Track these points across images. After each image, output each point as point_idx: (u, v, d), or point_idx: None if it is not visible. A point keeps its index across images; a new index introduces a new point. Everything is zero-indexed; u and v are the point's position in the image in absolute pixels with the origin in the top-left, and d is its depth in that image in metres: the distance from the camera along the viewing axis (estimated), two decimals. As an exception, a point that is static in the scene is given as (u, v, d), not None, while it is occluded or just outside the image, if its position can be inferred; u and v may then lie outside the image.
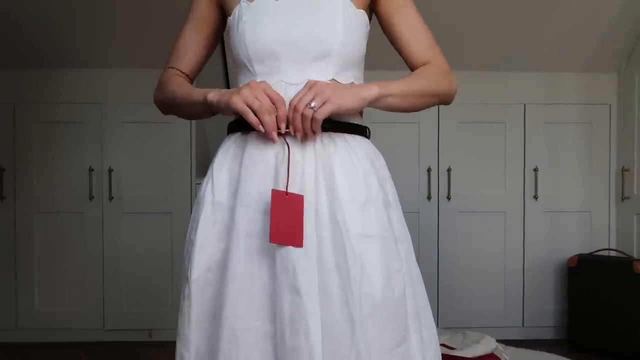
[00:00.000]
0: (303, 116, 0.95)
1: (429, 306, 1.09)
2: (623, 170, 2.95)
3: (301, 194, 0.97)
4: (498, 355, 2.35)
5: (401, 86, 1.05)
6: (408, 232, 1.09)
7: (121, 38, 2.88)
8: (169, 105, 1.15)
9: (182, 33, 1.17)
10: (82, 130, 3.01)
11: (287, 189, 0.97)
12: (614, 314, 2.68)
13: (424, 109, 1.12)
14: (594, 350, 2.76)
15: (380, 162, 1.10)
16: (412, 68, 1.14)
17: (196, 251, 1.02)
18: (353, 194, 0.99)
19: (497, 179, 3.03)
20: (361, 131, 1.08)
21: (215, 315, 1.00)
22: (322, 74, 1.02)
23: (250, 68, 1.04)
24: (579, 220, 3.04)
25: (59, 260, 3.01)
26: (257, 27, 1.03)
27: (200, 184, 1.20)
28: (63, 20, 2.79)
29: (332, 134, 1.02)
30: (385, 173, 1.09)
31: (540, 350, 2.71)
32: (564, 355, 2.63)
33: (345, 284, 0.95)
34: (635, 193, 2.89)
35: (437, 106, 3.00)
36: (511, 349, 2.59)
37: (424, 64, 1.12)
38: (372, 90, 1.00)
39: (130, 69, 3.00)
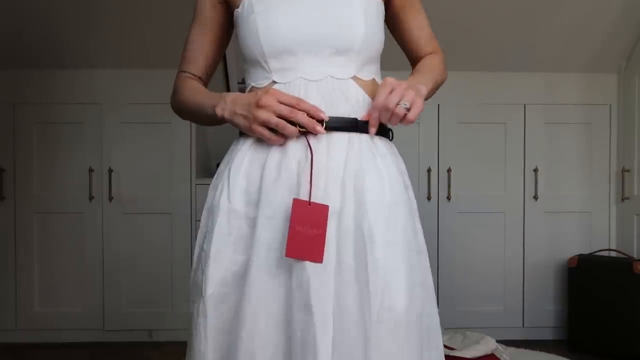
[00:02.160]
0: (394, 115, 0.92)
1: (439, 327, 1.02)
2: (623, 170, 2.94)
3: (325, 203, 0.91)
4: (498, 356, 2.35)
5: (429, 83, 1.04)
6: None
7: (121, 38, 2.88)
8: (184, 113, 1.11)
9: (190, 35, 1.13)
10: (82, 130, 3.01)
11: (309, 197, 0.90)
12: (614, 315, 2.68)
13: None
14: (594, 351, 2.76)
15: (403, 167, 1.05)
16: (416, 59, 1.14)
17: (211, 265, 0.94)
18: (380, 200, 0.94)
19: (497, 180, 3.03)
20: (386, 133, 1.04)
21: (232, 330, 0.94)
22: (343, 70, 0.97)
23: (265, 65, 0.98)
24: (579, 221, 3.04)
25: (59, 261, 3.01)
26: (271, 20, 0.96)
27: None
28: (63, 20, 2.80)
29: (360, 135, 0.97)
30: (407, 179, 1.04)
31: (540, 350, 2.71)
32: (564, 355, 2.63)
33: (364, 297, 0.89)
34: (635, 193, 2.89)
35: (437, 106, 3.03)
36: (511, 349, 2.59)
37: (427, 54, 1.13)
38: (425, 89, 0.98)
39: (130, 69, 3.00)
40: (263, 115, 0.91)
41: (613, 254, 2.92)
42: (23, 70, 3.00)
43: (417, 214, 1.03)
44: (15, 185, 3.00)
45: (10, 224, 3.00)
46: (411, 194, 1.03)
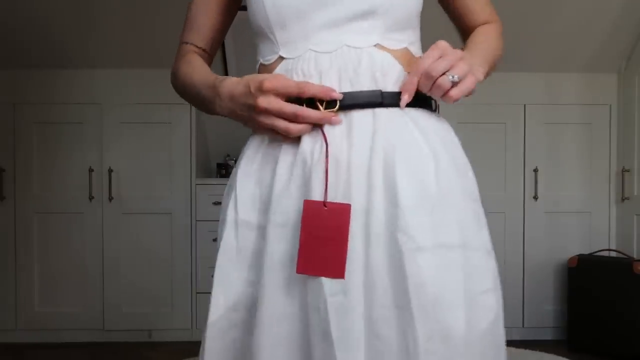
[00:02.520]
0: (436, 85, 0.74)
1: (504, 341, 0.81)
2: (623, 170, 2.94)
3: (347, 202, 0.74)
4: (498, 356, 2.35)
5: (484, 66, 0.85)
6: None
7: (120, 39, 2.88)
8: (183, 95, 0.95)
9: (193, 1, 0.96)
10: (81, 130, 3.01)
11: (325, 197, 0.74)
12: (614, 315, 2.68)
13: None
14: (593, 351, 2.76)
15: (455, 142, 0.85)
16: (467, 29, 0.96)
17: (215, 287, 0.80)
18: (421, 190, 0.74)
19: (497, 180, 3.03)
20: (426, 103, 0.82)
21: None
22: (364, 38, 0.79)
23: (271, 36, 0.82)
24: (579, 221, 3.04)
25: (59, 261, 3.01)
26: None
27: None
28: (63, 20, 2.80)
29: (389, 109, 0.78)
30: (465, 159, 0.84)
31: (540, 350, 2.71)
32: (563, 355, 2.63)
33: (405, 322, 0.71)
34: (635, 194, 2.89)
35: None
36: (511, 349, 2.59)
37: (482, 24, 0.95)
38: (481, 69, 0.81)
39: (129, 69, 3.00)
40: (266, 120, 0.77)
41: (613, 254, 2.92)
42: (23, 70, 3.00)
43: (479, 202, 0.82)
44: (15, 185, 3.00)
45: (10, 224, 3.00)
46: (470, 175, 0.83)
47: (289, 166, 0.78)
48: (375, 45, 0.80)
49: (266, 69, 0.85)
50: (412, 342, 0.70)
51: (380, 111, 0.77)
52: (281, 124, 0.76)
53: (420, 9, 0.86)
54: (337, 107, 0.76)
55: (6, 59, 2.95)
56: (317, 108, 0.76)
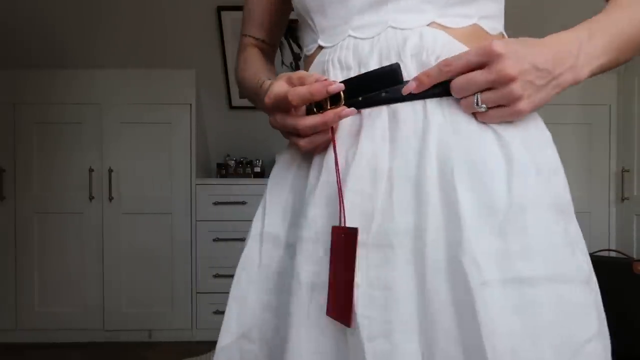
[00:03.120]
0: (461, 103, 0.59)
1: None
2: (623, 171, 2.95)
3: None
4: (498, 356, 2.35)
5: (619, 41, 0.61)
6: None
7: (120, 39, 2.88)
8: (242, 91, 0.86)
9: None
10: (81, 130, 3.01)
11: (343, 221, 0.59)
12: (613, 315, 2.68)
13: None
14: (593, 351, 2.76)
15: (540, 138, 0.62)
16: None
17: (229, 307, 0.69)
18: (488, 202, 0.56)
19: (497, 180, 3.03)
20: None
21: None
22: (414, 16, 0.63)
23: (310, 22, 0.71)
24: (578, 221, 3.00)
25: (59, 261, 3.01)
26: None
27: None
28: (63, 21, 2.80)
29: (448, 100, 0.60)
30: (553, 158, 0.62)
31: (540, 350, 2.71)
32: (563, 355, 2.64)
33: None
34: (635, 194, 2.89)
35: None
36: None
37: None
38: (580, 75, 0.58)
39: (129, 69, 3.00)
40: (285, 136, 0.68)
41: (613, 254, 2.93)
42: (23, 70, 3.00)
43: (573, 218, 0.62)
44: (15, 185, 3.00)
45: (11, 224, 3.00)
46: (558, 180, 0.61)
47: (317, 171, 0.65)
48: (429, 25, 0.62)
49: (307, 60, 0.73)
50: None
51: (433, 102, 0.60)
52: (293, 139, 0.66)
53: None
54: (343, 98, 0.62)
55: (6, 59, 2.95)
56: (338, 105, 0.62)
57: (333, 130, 0.63)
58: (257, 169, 3.13)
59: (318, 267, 0.62)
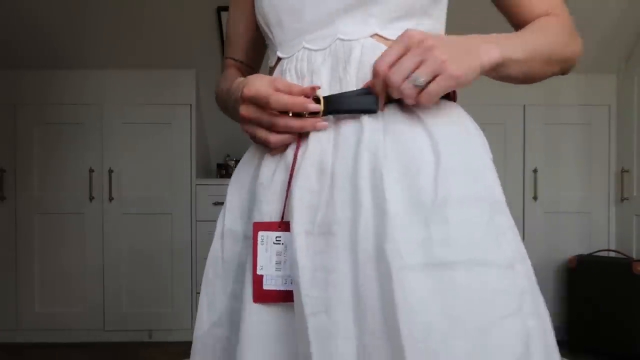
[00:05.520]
0: (402, 94, 0.63)
1: None
2: (622, 171, 2.95)
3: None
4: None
5: (526, 47, 0.69)
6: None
7: (121, 39, 2.89)
8: (222, 109, 0.91)
9: (229, 17, 0.95)
10: (82, 131, 3.02)
11: (282, 216, 0.69)
12: (613, 315, 2.69)
13: (540, 80, 0.78)
14: (593, 351, 2.76)
15: (474, 139, 0.71)
16: (522, 23, 0.78)
17: (201, 300, 0.78)
18: (415, 197, 0.63)
19: (496, 180, 3.03)
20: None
21: None
22: (359, 28, 0.70)
23: (270, 36, 0.78)
24: (578, 221, 3.05)
25: (59, 261, 3.01)
26: None
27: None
28: (63, 21, 2.80)
29: (388, 105, 0.68)
30: (482, 156, 0.71)
31: (540, 351, 2.71)
32: (563, 355, 2.63)
33: (395, 351, 0.59)
34: (634, 194, 2.90)
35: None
36: (511, 349, 2.59)
37: (540, 16, 0.77)
38: (493, 53, 0.64)
39: (130, 70, 3.00)
40: (249, 129, 0.72)
41: (612, 254, 2.93)
42: (23, 71, 3.00)
43: (502, 210, 0.68)
44: (15, 186, 3.00)
45: (11, 224, 3.00)
46: (488, 179, 0.69)
47: (270, 172, 0.72)
48: (372, 36, 0.70)
49: (270, 71, 0.81)
50: None
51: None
52: (261, 133, 0.70)
53: None
54: (321, 113, 0.67)
55: (7, 60, 2.95)
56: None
57: (300, 136, 0.69)
58: (257, 169, 3.13)
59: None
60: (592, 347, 2.77)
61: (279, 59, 0.77)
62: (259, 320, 0.68)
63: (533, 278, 0.67)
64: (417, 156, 0.65)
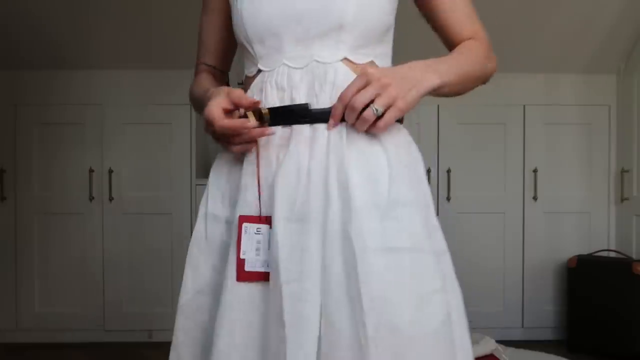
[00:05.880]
0: (361, 119, 0.78)
1: (469, 341, 0.87)
2: (622, 171, 2.95)
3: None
4: (498, 356, 2.35)
5: (458, 71, 0.86)
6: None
7: (121, 39, 2.89)
8: (196, 110, 1.04)
9: (200, 23, 1.04)
10: (82, 131, 3.02)
11: (259, 209, 0.83)
12: (613, 315, 2.69)
13: (466, 93, 0.94)
14: (593, 351, 2.76)
15: (415, 155, 0.89)
16: (452, 45, 0.94)
17: (186, 271, 0.90)
18: (373, 198, 0.80)
19: (496, 180, 3.04)
20: None
21: (208, 344, 0.85)
22: (332, 52, 0.84)
23: (251, 50, 0.89)
24: (578, 221, 3.05)
25: (59, 261, 3.01)
26: (255, 1, 0.87)
27: (200, 184, 1.13)
28: (64, 21, 2.80)
29: (342, 125, 0.83)
30: (420, 169, 0.89)
31: (540, 350, 2.71)
32: (563, 355, 2.64)
33: (357, 313, 0.75)
34: (634, 194, 2.90)
35: (437, 107, 3.04)
36: (511, 349, 2.59)
37: (466, 40, 0.94)
38: (433, 81, 0.80)
39: (130, 70, 3.00)
40: (219, 141, 0.89)
41: (612, 254, 2.93)
42: (23, 71, 3.00)
43: (432, 209, 0.87)
44: (15, 186, 3.00)
45: (11, 224, 3.00)
46: (423, 186, 0.87)
47: (254, 165, 0.85)
48: (343, 60, 0.85)
49: (248, 80, 0.92)
50: (362, 330, 0.75)
51: (338, 127, 0.83)
52: (225, 145, 0.88)
53: (392, 23, 0.91)
54: (267, 120, 0.83)
55: (7, 60, 2.95)
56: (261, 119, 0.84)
57: (258, 143, 0.84)
58: (257, 169, 3.14)
59: None
60: (591, 347, 2.77)
61: (260, 70, 0.88)
62: (239, 292, 0.82)
63: (451, 267, 0.87)
64: (377, 168, 0.81)
